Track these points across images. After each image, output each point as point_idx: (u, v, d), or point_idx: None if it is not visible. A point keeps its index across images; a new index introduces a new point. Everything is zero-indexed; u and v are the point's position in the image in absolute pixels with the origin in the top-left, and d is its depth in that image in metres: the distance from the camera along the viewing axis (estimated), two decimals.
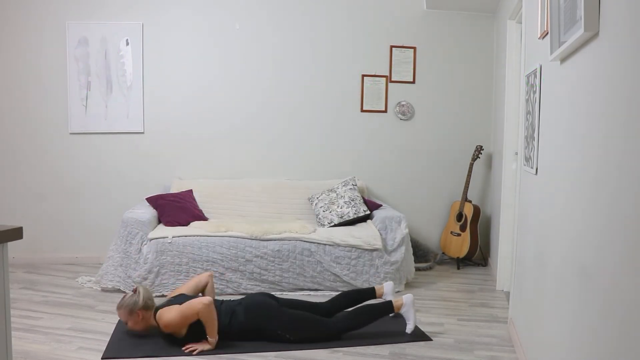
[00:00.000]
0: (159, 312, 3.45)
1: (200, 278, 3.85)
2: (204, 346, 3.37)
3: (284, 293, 4.55)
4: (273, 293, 4.43)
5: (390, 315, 3.79)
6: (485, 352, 3.44)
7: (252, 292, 4.52)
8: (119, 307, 3.50)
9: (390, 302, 3.69)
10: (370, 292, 3.89)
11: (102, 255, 5.37)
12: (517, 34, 4.64)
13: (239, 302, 3.64)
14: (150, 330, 3.54)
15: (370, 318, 3.65)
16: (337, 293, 4.50)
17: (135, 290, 3.54)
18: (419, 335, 3.67)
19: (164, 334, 3.43)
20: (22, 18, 5.41)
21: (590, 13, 1.85)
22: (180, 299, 3.53)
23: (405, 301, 3.67)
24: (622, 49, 1.62)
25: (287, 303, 3.70)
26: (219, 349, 3.39)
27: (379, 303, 3.72)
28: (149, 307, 3.50)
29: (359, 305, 3.77)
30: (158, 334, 3.49)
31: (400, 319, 3.79)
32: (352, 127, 5.79)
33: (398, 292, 4.65)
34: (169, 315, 3.36)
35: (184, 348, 3.38)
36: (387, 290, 3.89)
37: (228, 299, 3.76)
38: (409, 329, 3.66)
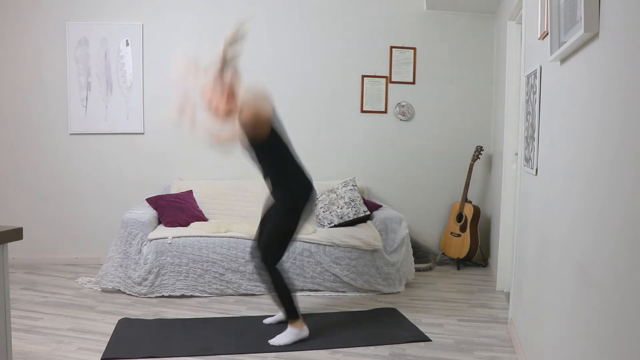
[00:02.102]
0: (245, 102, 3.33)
1: None
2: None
3: None
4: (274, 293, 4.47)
5: (270, 320, 3.84)
6: (485, 352, 3.44)
7: (253, 293, 4.52)
8: (217, 76, 3.30)
9: (299, 315, 3.60)
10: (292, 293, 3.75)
11: (102, 256, 5.38)
12: (517, 34, 4.64)
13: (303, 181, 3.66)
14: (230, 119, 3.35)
15: (285, 296, 3.56)
16: (337, 294, 4.52)
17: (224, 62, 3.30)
18: (419, 336, 3.67)
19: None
20: (22, 19, 5.41)
21: (590, 14, 1.85)
22: None
23: (303, 329, 3.58)
24: (622, 49, 1.62)
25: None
26: (218, 348, 3.38)
27: (296, 305, 3.62)
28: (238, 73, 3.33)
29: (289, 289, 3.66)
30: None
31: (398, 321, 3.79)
32: (352, 127, 5.79)
33: (398, 292, 4.66)
34: (249, 114, 3.28)
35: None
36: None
37: None
38: (276, 340, 3.52)
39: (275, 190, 3.63)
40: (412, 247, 5.16)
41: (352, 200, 5.11)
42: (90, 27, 5.47)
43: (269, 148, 3.51)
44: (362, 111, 5.78)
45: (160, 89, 5.58)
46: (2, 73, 5.45)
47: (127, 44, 5.53)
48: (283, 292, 3.56)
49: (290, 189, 3.58)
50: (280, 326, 3.73)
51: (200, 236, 4.54)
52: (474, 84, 5.82)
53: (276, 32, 5.67)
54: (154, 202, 4.94)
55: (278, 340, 3.52)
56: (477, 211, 5.49)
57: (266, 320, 3.90)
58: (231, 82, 3.33)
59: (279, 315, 3.86)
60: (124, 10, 5.51)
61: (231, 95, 3.35)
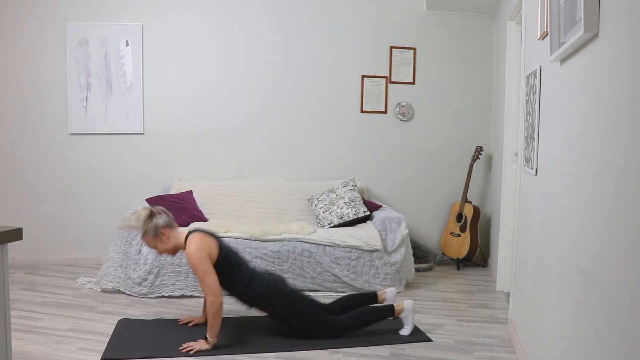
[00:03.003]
0: (190, 237, 3.45)
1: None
2: (202, 346, 3.36)
3: None
4: None
5: (390, 318, 3.80)
6: (485, 353, 3.44)
7: None
8: (144, 235, 3.49)
9: (392, 306, 3.70)
10: (372, 297, 3.88)
11: (102, 256, 5.38)
12: (517, 34, 4.64)
13: (261, 272, 3.64)
14: (179, 253, 3.56)
15: (371, 320, 3.68)
16: (337, 294, 4.51)
17: (151, 214, 3.50)
18: (419, 336, 3.67)
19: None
20: (22, 19, 5.42)
21: (590, 14, 1.85)
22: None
23: (405, 306, 3.69)
24: (622, 50, 1.62)
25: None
26: (217, 349, 3.38)
27: (380, 306, 3.74)
28: (173, 226, 3.52)
29: (362, 307, 3.78)
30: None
31: (398, 321, 3.80)
32: (352, 127, 5.79)
33: (398, 293, 4.65)
34: (193, 254, 3.34)
35: (181, 348, 3.37)
36: (389, 296, 3.90)
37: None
38: (404, 332, 3.68)
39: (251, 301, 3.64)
40: (412, 247, 5.17)
41: (352, 201, 5.11)
42: (90, 27, 5.47)
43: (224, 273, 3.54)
44: (362, 111, 5.78)
45: (160, 89, 5.59)
46: (1, 73, 5.45)
47: (127, 44, 5.53)
48: (366, 320, 3.67)
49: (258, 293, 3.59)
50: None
51: None
52: (474, 84, 5.82)
53: (276, 32, 5.67)
54: (153, 202, 4.93)
55: (405, 331, 3.69)
56: (477, 211, 5.49)
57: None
58: (158, 237, 3.50)
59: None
60: (124, 10, 5.52)
61: (165, 240, 3.50)
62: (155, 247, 3.53)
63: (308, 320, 3.57)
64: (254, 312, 4.11)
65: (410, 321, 3.68)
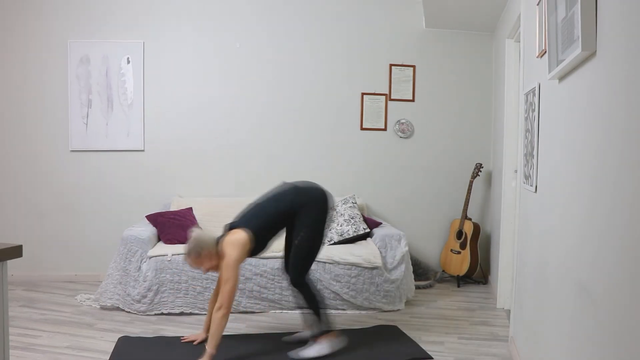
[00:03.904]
0: (228, 240, 3.45)
1: None
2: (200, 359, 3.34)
3: (284, 311, 4.54)
4: (273, 311, 4.46)
5: (291, 338, 3.85)
6: None
7: (252, 310, 4.51)
8: (187, 257, 3.47)
9: (332, 331, 3.64)
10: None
11: (102, 273, 5.36)
12: (515, 52, 4.67)
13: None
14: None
15: (319, 311, 3.59)
16: (337, 311, 4.50)
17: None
18: (420, 354, 3.65)
19: None
20: (24, 36, 5.46)
21: (587, 32, 1.87)
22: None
23: (334, 342, 3.61)
24: (619, 68, 1.64)
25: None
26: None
27: (327, 316, 3.66)
28: (215, 244, 3.48)
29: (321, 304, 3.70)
30: None
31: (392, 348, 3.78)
32: (351, 145, 5.81)
33: (398, 310, 4.64)
34: (230, 256, 3.38)
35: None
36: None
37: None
38: (305, 352, 3.57)
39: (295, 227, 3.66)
40: (412, 264, 5.15)
41: (352, 218, 5.11)
42: (91, 45, 5.51)
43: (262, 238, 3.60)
44: (362, 128, 5.80)
45: (160, 106, 5.61)
46: (3, 90, 5.48)
47: (128, 62, 5.56)
48: (316, 303, 3.62)
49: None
50: (297, 344, 3.73)
51: None
52: (473, 102, 5.85)
53: (276, 49, 5.71)
54: (153, 219, 4.93)
55: (304, 353, 3.56)
56: (477, 228, 5.49)
57: (285, 338, 3.89)
58: (199, 258, 3.48)
59: (301, 334, 3.86)
60: (126, 28, 5.56)
61: (207, 260, 3.49)
62: (200, 266, 3.50)
63: (308, 255, 3.62)
64: (253, 330, 4.10)
65: (319, 352, 3.55)
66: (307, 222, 3.58)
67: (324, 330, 3.61)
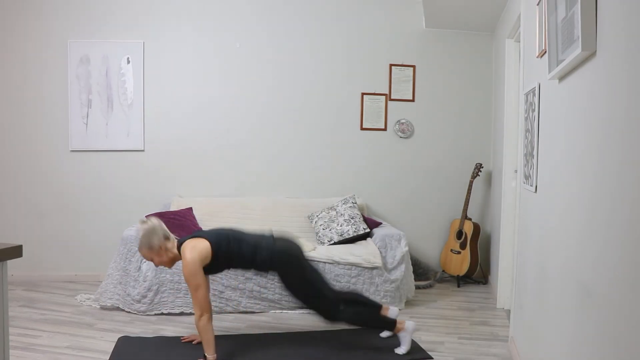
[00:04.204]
0: (184, 246, 3.42)
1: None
2: None
3: (284, 312, 4.54)
4: (273, 311, 4.46)
5: (386, 334, 3.83)
6: None
7: (252, 310, 4.51)
8: (140, 248, 3.47)
9: (395, 321, 3.68)
10: (378, 308, 3.88)
11: (102, 273, 5.36)
12: (515, 52, 4.67)
13: (266, 244, 3.58)
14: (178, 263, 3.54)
15: (369, 322, 3.67)
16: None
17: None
18: (420, 354, 3.65)
19: None
20: (24, 36, 5.46)
21: (587, 32, 1.87)
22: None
23: (407, 326, 3.67)
24: (619, 68, 1.64)
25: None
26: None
27: (385, 316, 3.74)
28: (168, 238, 3.49)
29: (369, 307, 3.78)
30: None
31: (392, 338, 3.81)
32: (351, 145, 5.81)
33: (400, 310, 4.63)
34: (187, 266, 3.33)
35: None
36: (391, 313, 3.90)
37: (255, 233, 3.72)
38: (399, 351, 3.63)
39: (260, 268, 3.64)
40: (412, 264, 5.15)
41: (352, 218, 5.11)
42: (91, 45, 5.51)
43: (224, 264, 3.58)
44: (362, 129, 5.80)
45: (160, 106, 5.61)
46: (3, 90, 5.48)
47: (128, 62, 5.56)
48: (366, 320, 3.67)
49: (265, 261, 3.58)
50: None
51: None
52: (473, 102, 5.85)
53: (276, 49, 5.71)
54: None
55: (401, 350, 3.63)
56: (477, 228, 5.49)
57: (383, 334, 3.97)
58: (154, 250, 3.48)
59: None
60: (126, 28, 5.56)
61: (162, 253, 3.48)
62: (152, 260, 3.51)
63: (313, 295, 3.55)
64: (253, 330, 4.10)
65: (408, 342, 3.65)
66: (287, 280, 3.57)
67: (390, 327, 3.68)
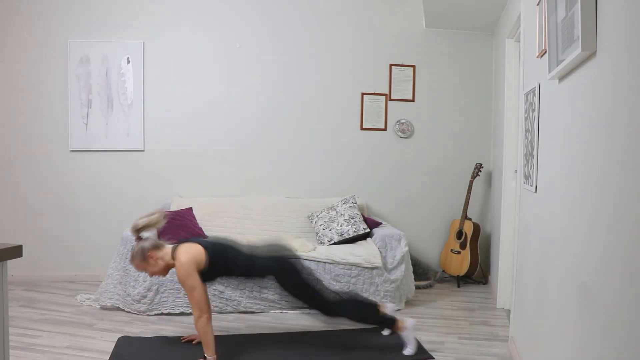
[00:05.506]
0: (178, 250, 3.43)
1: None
2: None
3: (284, 312, 4.54)
4: (273, 311, 4.45)
5: (387, 332, 3.83)
6: None
7: (252, 310, 4.51)
8: (131, 260, 3.48)
9: (394, 319, 3.69)
10: (374, 306, 3.86)
11: (102, 273, 5.36)
12: (515, 52, 4.67)
13: (260, 256, 3.60)
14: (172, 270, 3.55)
15: (367, 318, 3.68)
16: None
17: (138, 238, 3.48)
18: (421, 354, 3.65)
19: None
20: (24, 36, 5.46)
21: (587, 32, 1.87)
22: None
23: (407, 324, 3.67)
24: (619, 68, 1.64)
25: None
26: None
27: (384, 313, 3.74)
28: (159, 247, 3.49)
29: (366, 303, 3.78)
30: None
31: (393, 337, 3.81)
32: (351, 145, 5.81)
33: (398, 310, 4.63)
34: (180, 268, 3.35)
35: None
36: (388, 311, 3.89)
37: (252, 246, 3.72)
38: (408, 352, 3.64)
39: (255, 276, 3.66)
40: (412, 264, 5.15)
41: (352, 218, 5.11)
42: (91, 45, 5.51)
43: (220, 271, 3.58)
44: (362, 129, 5.80)
45: (160, 106, 5.61)
46: (3, 89, 5.48)
47: (128, 62, 5.56)
48: (363, 315, 3.68)
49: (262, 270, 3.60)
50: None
51: None
52: (473, 102, 5.85)
53: (276, 50, 5.71)
54: None
55: (409, 350, 3.62)
56: (477, 228, 5.49)
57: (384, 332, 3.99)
58: (146, 260, 3.47)
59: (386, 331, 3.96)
60: (126, 28, 5.56)
61: (153, 263, 3.48)
62: (145, 270, 3.50)
63: (312, 293, 3.58)
64: (253, 330, 4.10)
65: (413, 340, 3.66)
66: (285, 283, 3.58)
67: (390, 325, 3.70)
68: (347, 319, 3.66)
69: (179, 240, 3.61)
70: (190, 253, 3.39)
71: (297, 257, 3.70)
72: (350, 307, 3.63)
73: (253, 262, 3.53)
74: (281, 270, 3.55)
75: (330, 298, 3.61)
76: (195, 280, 3.33)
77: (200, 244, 3.49)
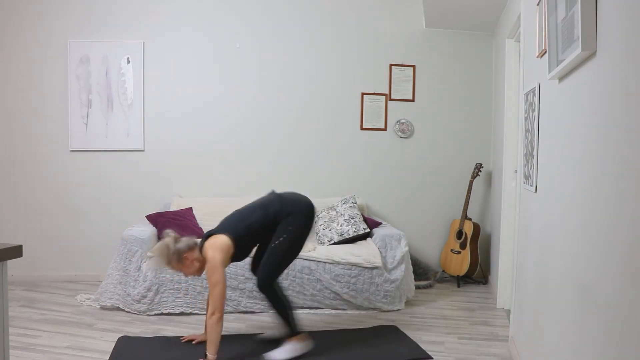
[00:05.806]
0: (209, 244, 3.44)
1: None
2: None
3: None
4: (273, 311, 4.47)
5: (267, 334, 3.85)
6: None
7: (252, 310, 4.51)
8: (168, 263, 3.46)
9: (301, 332, 3.64)
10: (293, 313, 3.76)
11: (102, 273, 5.36)
12: (515, 52, 4.67)
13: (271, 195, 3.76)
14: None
15: (285, 314, 3.58)
16: (337, 311, 4.51)
17: (174, 239, 3.48)
18: (420, 354, 3.65)
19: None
20: (24, 36, 5.46)
21: (587, 32, 1.87)
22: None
23: (304, 342, 3.62)
24: (619, 68, 1.64)
25: None
26: None
27: (294, 319, 3.64)
28: (194, 248, 3.50)
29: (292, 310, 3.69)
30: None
31: (390, 337, 3.82)
32: (351, 145, 5.81)
33: (398, 310, 4.64)
34: (212, 259, 3.36)
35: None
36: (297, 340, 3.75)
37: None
38: (273, 356, 3.53)
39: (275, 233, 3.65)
40: (412, 264, 5.15)
41: (352, 218, 5.11)
42: (91, 45, 5.51)
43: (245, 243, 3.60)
44: (362, 128, 5.80)
45: (160, 106, 5.61)
46: (3, 89, 5.48)
47: (128, 62, 5.56)
48: (282, 308, 3.59)
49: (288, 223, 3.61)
50: (273, 343, 3.72)
51: None
52: (473, 101, 5.85)
53: (276, 50, 5.71)
54: (153, 219, 4.93)
55: (274, 355, 3.52)
56: (477, 228, 5.49)
57: (260, 336, 3.91)
58: (182, 262, 3.49)
59: (274, 332, 3.86)
60: (125, 28, 5.56)
61: (189, 264, 3.50)
62: (181, 271, 3.51)
63: (280, 262, 3.59)
64: (254, 330, 4.10)
65: (289, 354, 3.53)
66: (289, 229, 3.57)
67: (292, 332, 3.60)
68: (270, 302, 3.57)
69: (205, 235, 3.59)
70: (216, 246, 3.41)
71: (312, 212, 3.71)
72: (279, 297, 3.56)
73: (268, 210, 3.59)
74: (300, 211, 3.60)
75: (276, 280, 3.61)
76: (220, 275, 3.33)
77: (220, 233, 3.51)
